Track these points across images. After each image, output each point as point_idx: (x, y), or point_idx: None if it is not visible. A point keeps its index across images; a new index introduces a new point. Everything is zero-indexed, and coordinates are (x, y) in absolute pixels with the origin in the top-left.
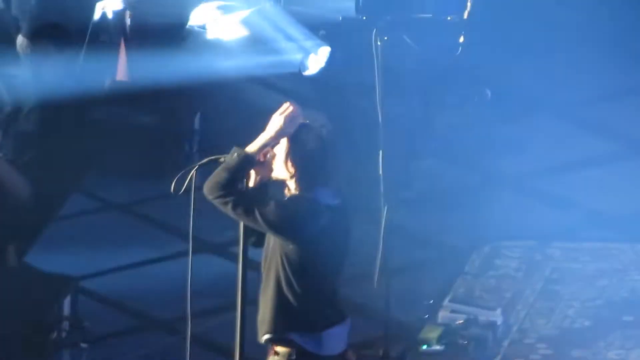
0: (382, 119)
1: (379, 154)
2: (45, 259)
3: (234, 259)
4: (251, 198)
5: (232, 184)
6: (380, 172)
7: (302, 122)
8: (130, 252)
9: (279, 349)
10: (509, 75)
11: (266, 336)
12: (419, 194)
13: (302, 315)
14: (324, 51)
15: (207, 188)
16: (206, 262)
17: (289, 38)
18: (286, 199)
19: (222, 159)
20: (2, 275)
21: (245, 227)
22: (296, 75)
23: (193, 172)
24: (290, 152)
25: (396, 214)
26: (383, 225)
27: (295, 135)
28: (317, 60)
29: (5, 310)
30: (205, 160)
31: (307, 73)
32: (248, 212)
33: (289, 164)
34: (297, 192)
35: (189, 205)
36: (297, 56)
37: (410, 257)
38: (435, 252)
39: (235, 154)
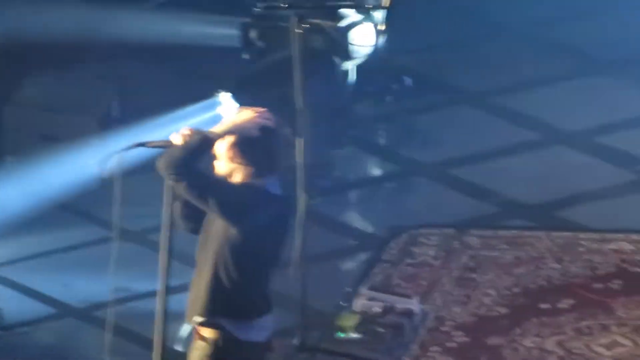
0: (301, 106)
1: (297, 142)
2: None
3: (153, 246)
4: (207, 181)
5: (188, 163)
6: (299, 159)
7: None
8: (51, 239)
9: (207, 334)
10: (430, 64)
11: (198, 319)
12: (338, 182)
13: (235, 301)
14: None
15: (163, 163)
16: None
17: None
18: (238, 186)
19: (149, 144)
20: None
21: (180, 213)
22: None
23: (118, 156)
24: (238, 143)
25: (315, 202)
26: (301, 213)
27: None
28: None
29: None
30: (132, 145)
31: None
32: (202, 195)
33: (236, 154)
34: (245, 181)
35: (113, 191)
36: None
37: (328, 245)
38: (352, 240)
39: (196, 135)
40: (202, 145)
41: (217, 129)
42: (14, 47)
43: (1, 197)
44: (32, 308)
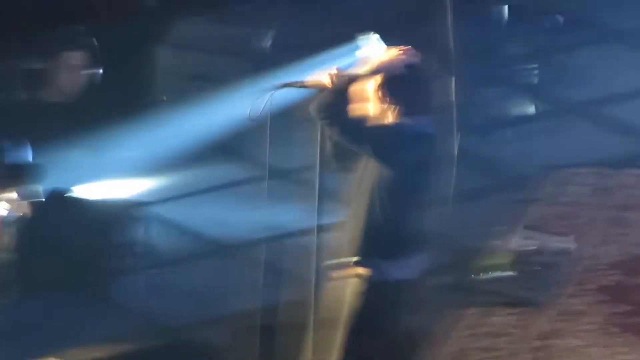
0: (452, 46)
1: (450, 82)
2: None
3: (306, 185)
4: (360, 123)
5: (340, 107)
6: (451, 98)
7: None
8: (204, 178)
9: (360, 271)
10: (581, 2)
11: (353, 257)
12: (490, 120)
13: (389, 240)
14: None
15: (314, 107)
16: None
17: None
18: (390, 127)
19: (297, 85)
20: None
21: (332, 154)
22: None
23: (269, 97)
24: (386, 82)
25: (467, 141)
26: (454, 152)
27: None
28: None
29: (72, 236)
30: (280, 84)
31: None
32: (354, 137)
33: (385, 94)
34: (397, 121)
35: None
36: None
37: (481, 184)
38: (506, 178)
39: (347, 78)
40: (351, 87)
41: (364, 69)
42: None
43: (156, 136)
44: (185, 245)
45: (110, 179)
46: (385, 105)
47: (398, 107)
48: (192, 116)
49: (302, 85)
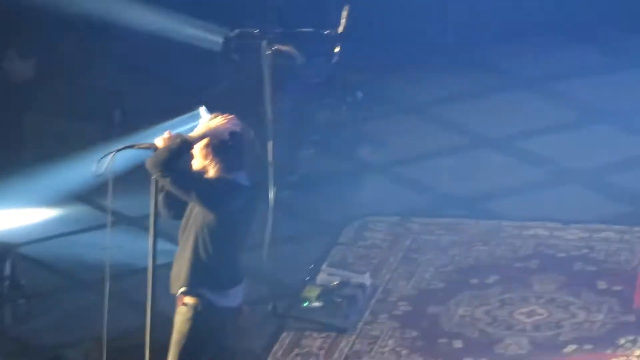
0: (271, 115)
1: (268, 145)
2: None
3: (145, 229)
4: (188, 176)
5: (171, 163)
6: (269, 159)
7: (236, 129)
8: (65, 224)
9: (188, 300)
10: (377, 81)
11: (182, 289)
12: (302, 178)
13: (213, 274)
14: None
15: (150, 164)
16: (124, 232)
17: None
18: (214, 179)
19: (136, 147)
20: None
21: (164, 203)
22: None
23: (111, 156)
24: (211, 143)
25: (283, 194)
26: (271, 204)
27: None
28: None
29: None
30: (122, 147)
31: None
32: (184, 188)
33: (210, 153)
34: (219, 175)
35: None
36: None
37: (294, 230)
38: (315, 225)
39: (177, 139)
40: (182, 147)
41: (194, 132)
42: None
43: (23, 188)
44: (49, 281)
45: None
46: (210, 162)
47: (220, 164)
48: (55, 171)
49: (140, 147)
